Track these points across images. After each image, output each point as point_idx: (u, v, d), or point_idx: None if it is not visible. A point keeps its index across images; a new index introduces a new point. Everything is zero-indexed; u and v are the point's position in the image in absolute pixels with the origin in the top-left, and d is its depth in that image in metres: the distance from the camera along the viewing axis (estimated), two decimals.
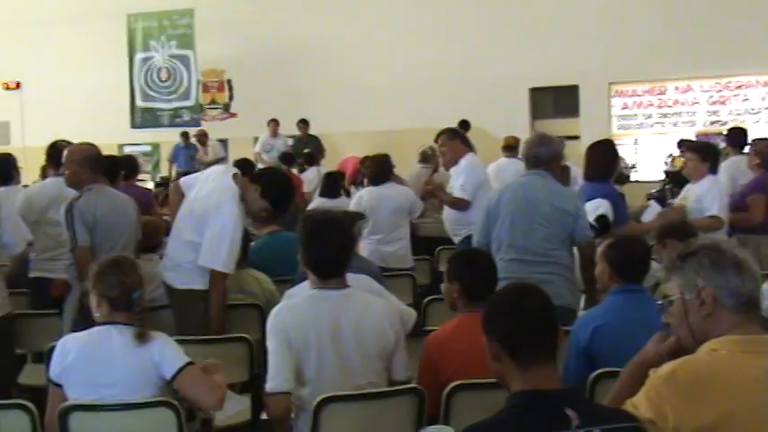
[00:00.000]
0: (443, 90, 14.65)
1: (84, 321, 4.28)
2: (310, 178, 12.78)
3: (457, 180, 6.64)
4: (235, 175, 4.75)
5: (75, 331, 3.60)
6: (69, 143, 5.70)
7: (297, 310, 3.29)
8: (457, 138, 6.80)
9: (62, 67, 17.83)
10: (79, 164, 4.94)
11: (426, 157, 8.79)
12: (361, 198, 7.14)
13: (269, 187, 4.78)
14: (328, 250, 3.35)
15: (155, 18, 16.94)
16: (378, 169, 7.25)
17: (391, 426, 3.30)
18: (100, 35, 17.37)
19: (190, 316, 4.67)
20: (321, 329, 3.24)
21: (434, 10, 15.08)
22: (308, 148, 14.08)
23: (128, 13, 17.01)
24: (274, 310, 3.36)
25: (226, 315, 4.69)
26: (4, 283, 4.95)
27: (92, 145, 5.14)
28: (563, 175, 5.53)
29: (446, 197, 6.72)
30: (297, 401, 3.31)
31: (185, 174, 6.54)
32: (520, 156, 10.22)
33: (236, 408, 4.21)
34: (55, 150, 5.75)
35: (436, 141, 6.92)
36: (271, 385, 3.22)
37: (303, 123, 14.82)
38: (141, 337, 3.24)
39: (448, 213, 6.83)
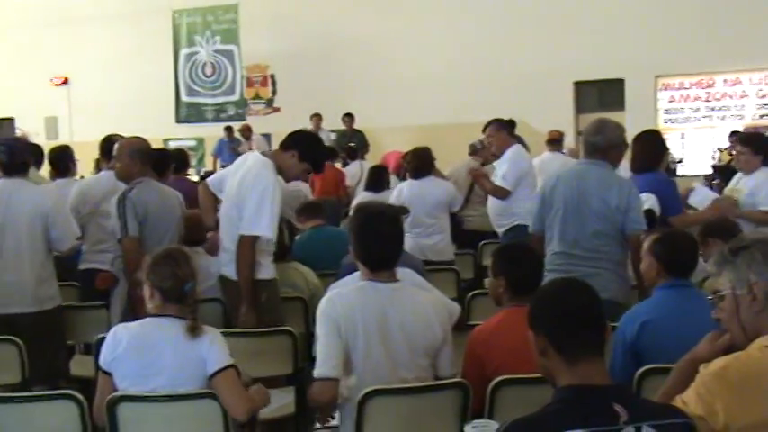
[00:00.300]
0: (487, 84, 14.60)
1: (132, 313, 4.36)
2: (353, 172, 12.81)
3: (500, 169, 6.67)
4: (264, 153, 4.83)
5: (125, 320, 3.64)
6: (122, 137, 5.79)
7: (346, 300, 3.29)
8: (504, 129, 6.82)
9: (108, 63, 18.09)
10: (130, 156, 5.00)
11: (475, 150, 8.77)
12: (401, 191, 7.13)
13: (306, 149, 4.87)
14: (380, 243, 3.35)
15: (199, 14, 17.07)
16: (418, 163, 7.23)
17: (435, 420, 3.29)
18: (145, 31, 17.58)
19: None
20: (369, 320, 3.23)
21: (479, 3, 15.01)
22: (352, 143, 14.10)
23: (173, 9, 17.18)
24: (325, 298, 3.36)
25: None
26: (55, 276, 5.05)
27: (142, 139, 5.20)
28: None
29: (487, 184, 6.75)
30: (343, 391, 3.32)
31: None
32: (564, 150, 10.18)
33: (280, 402, 4.25)
34: (109, 144, 5.83)
35: (484, 132, 6.91)
36: (319, 371, 3.22)
37: (348, 117, 14.82)
38: (193, 331, 3.26)
39: (492, 204, 6.83)
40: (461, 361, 3.48)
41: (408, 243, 6.51)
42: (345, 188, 12.22)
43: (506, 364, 3.25)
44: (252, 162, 4.83)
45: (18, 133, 17.81)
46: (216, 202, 5.02)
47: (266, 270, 4.75)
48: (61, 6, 18.77)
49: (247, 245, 4.60)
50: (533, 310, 2.35)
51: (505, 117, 7.27)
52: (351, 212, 7.53)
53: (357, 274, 3.72)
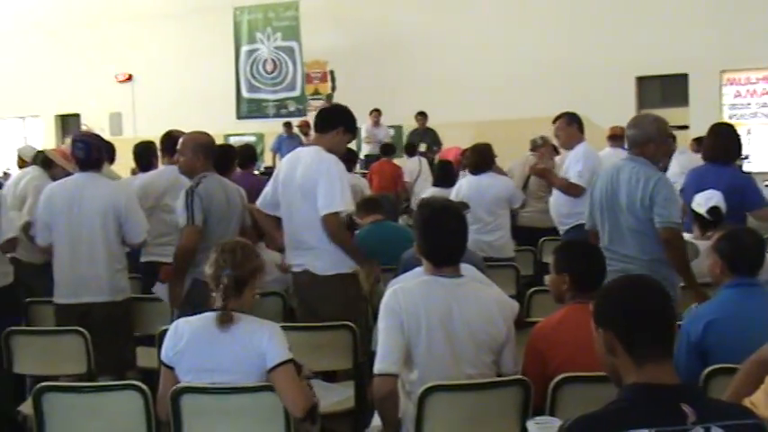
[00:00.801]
0: (547, 79, 14.43)
1: (191, 307, 4.42)
2: (411, 168, 12.84)
3: (575, 166, 6.47)
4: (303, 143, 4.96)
5: (182, 316, 3.69)
6: (182, 132, 5.86)
7: (410, 294, 3.29)
8: (575, 123, 6.68)
9: (171, 60, 18.36)
10: (193, 151, 5.07)
11: (536, 146, 8.69)
12: (460, 187, 7.10)
13: (350, 120, 5.04)
14: (444, 237, 3.34)
15: (260, 11, 17.20)
16: (478, 158, 7.16)
17: (496, 416, 3.28)
18: (207, 28, 17.78)
19: (337, 302, 4.76)
20: (432, 315, 3.23)
21: None
22: (424, 141, 14.13)
23: (234, 6, 17.33)
24: (389, 291, 3.37)
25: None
26: (126, 269, 5.15)
27: (205, 133, 5.25)
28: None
29: (558, 180, 6.58)
30: (405, 386, 3.32)
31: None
32: (625, 146, 10.01)
33: (340, 397, 4.28)
34: (169, 139, 5.92)
35: (554, 123, 6.75)
36: (379, 366, 3.22)
37: (421, 115, 14.67)
38: (223, 323, 3.28)
39: (556, 202, 6.70)
40: (522, 358, 3.47)
41: (468, 240, 6.49)
42: (404, 183, 12.26)
43: (568, 361, 3.22)
44: (306, 155, 4.90)
45: (83, 129, 18.19)
46: (276, 221, 5.07)
47: (348, 262, 4.84)
48: (126, 4, 19.10)
49: (333, 222, 4.70)
50: (602, 307, 2.29)
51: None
52: (415, 207, 7.52)
53: (420, 269, 3.73)
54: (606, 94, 13.88)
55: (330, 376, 4.64)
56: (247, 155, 7.52)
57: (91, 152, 5.07)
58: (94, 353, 4.50)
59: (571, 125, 6.64)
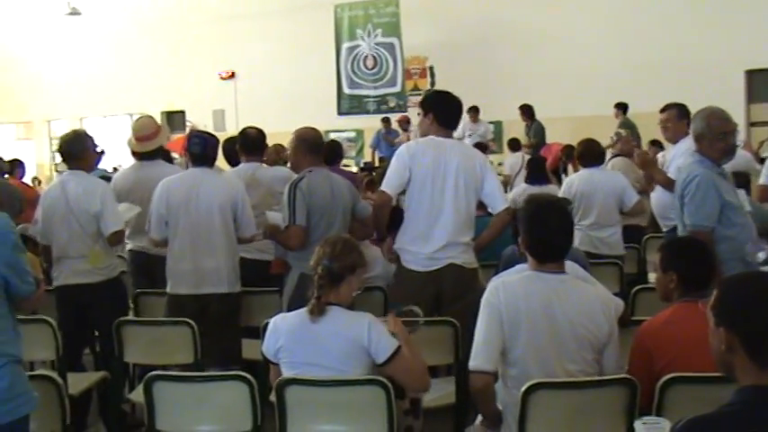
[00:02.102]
0: (651, 74, 14.06)
1: (300, 302, 4.50)
2: (512, 162, 12.78)
3: (677, 160, 6.27)
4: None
5: (291, 309, 3.75)
6: (258, 130, 6.00)
7: (511, 289, 3.28)
8: (686, 117, 6.39)
9: (273, 57, 18.66)
10: (295, 146, 5.15)
11: (614, 142, 8.51)
12: (571, 183, 6.90)
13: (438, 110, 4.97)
14: (549, 233, 3.31)
15: (361, 7, 17.31)
16: (588, 152, 6.92)
17: (601, 416, 3.22)
18: (308, 25, 18.00)
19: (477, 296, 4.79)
20: (534, 311, 3.21)
21: None
22: (529, 135, 14.02)
23: (335, 3, 17.49)
24: (491, 286, 3.37)
25: None
26: (238, 264, 5.26)
27: (310, 129, 5.29)
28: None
29: (659, 175, 6.32)
30: (507, 382, 3.30)
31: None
32: (738, 142, 9.64)
33: (441, 392, 4.27)
34: (245, 137, 6.02)
35: (662, 113, 6.46)
36: (473, 363, 3.23)
37: (524, 109, 14.53)
38: (312, 313, 3.32)
39: (658, 199, 6.46)
40: (626, 357, 3.40)
41: (578, 236, 6.37)
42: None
43: (677, 361, 3.15)
44: (465, 146, 5.05)
45: (188, 125, 18.68)
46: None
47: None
48: (230, 3, 19.52)
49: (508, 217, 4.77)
50: (725, 305, 2.13)
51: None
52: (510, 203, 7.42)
53: (521, 266, 3.70)
54: (713, 89, 13.30)
55: (429, 371, 4.63)
56: (332, 150, 7.54)
57: (206, 148, 5.21)
58: (206, 343, 4.62)
59: (682, 120, 6.32)
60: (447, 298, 4.75)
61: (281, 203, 5.05)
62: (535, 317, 3.20)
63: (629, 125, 13.97)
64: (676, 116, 6.27)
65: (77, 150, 5.28)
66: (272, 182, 5.78)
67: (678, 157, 6.15)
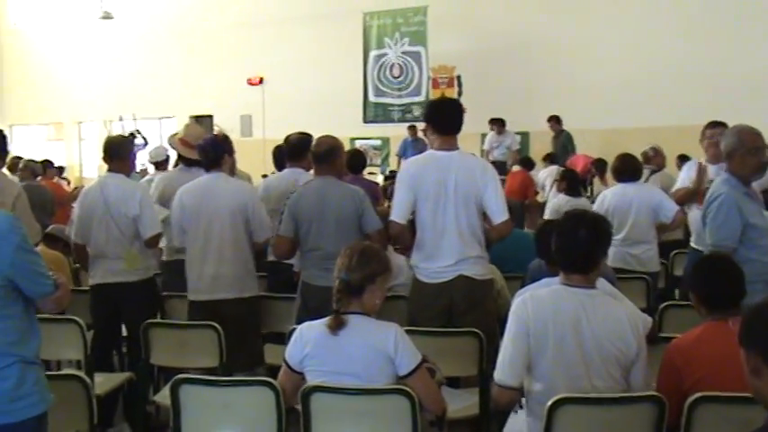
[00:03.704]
0: (687, 86, 13.82)
1: (305, 308, 4.54)
2: (545, 176, 12.75)
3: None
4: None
5: (297, 317, 3.75)
6: (303, 135, 6.01)
7: (539, 302, 3.27)
8: None
9: (301, 63, 18.73)
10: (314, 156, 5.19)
11: (648, 158, 8.41)
12: (604, 198, 6.74)
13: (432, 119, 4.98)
14: (573, 244, 3.30)
15: (390, 16, 17.33)
16: (625, 167, 6.72)
17: None
18: (337, 33, 18.07)
19: (489, 308, 4.83)
20: (561, 325, 3.20)
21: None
22: (559, 146, 14.00)
23: (364, 11, 17.53)
24: (518, 300, 3.36)
25: None
26: (254, 267, 5.30)
27: (323, 138, 5.30)
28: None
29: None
30: (529, 400, 3.29)
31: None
32: None
33: (464, 403, 4.27)
34: (287, 143, 6.06)
35: (709, 129, 6.30)
36: (499, 377, 3.23)
37: (553, 120, 14.45)
38: (331, 327, 3.31)
39: (695, 216, 6.35)
40: (654, 374, 3.38)
41: (610, 251, 6.27)
42: (534, 192, 12.24)
43: (706, 379, 3.12)
44: (466, 157, 4.87)
45: (215, 129, 18.78)
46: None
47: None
48: (258, 9, 19.63)
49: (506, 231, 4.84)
50: (749, 327, 2.16)
51: (703, 121, 6.72)
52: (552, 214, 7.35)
53: (548, 279, 3.70)
54: (753, 103, 13.15)
55: (453, 382, 4.63)
56: (355, 159, 7.55)
57: (207, 152, 5.24)
58: (228, 348, 4.63)
59: None
60: (458, 309, 4.75)
61: None
62: (563, 332, 3.19)
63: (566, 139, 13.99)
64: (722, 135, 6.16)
65: (121, 153, 5.37)
66: None
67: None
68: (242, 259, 5.17)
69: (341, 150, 5.31)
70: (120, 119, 19.22)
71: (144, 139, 18.46)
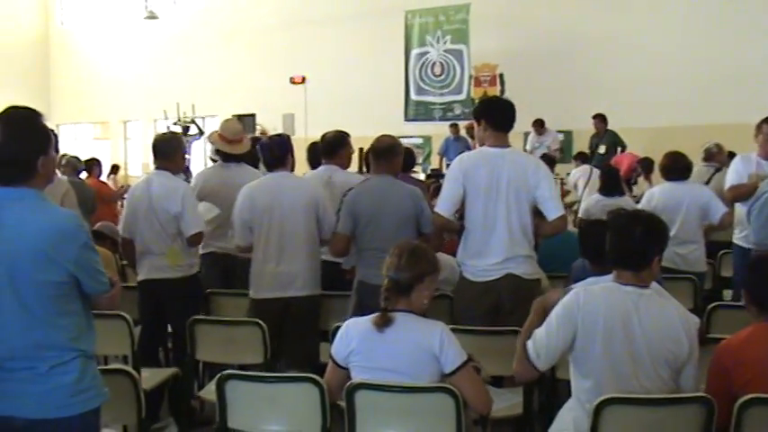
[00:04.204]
0: (739, 83, 13.62)
1: (360, 306, 4.53)
2: (578, 175, 12.60)
3: None
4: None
5: (352, 315, 3.77)
6: (337, 133, 6.04)
7: (592, 297, 3.24)
8: None
9: (343, 62, 18.81)
10: (366, 154, 5.21)
11: (711, 155, 8.21)
12: (652, 196, 6.63)
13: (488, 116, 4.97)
14: (630, 243, 3.27)
15: (432, 14, 17.31)
16: (674, 165, 6.59)
17: None
18: (379, 32, 18.09)
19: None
20: (612, 320, 3.17)
21: None
22: (603, 144, 13.84)
23: (406, 9, 17.53)
24: (572, 292, 3.32)
25: None
26: (319, 266, 5.32)
27: (381, 137, 5.29)
28: None
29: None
30: (580, 396, 3.27)
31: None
32: None
33: (508, 402, 4.25)
34: (322, 140, 6.10)
35: (759, 130, 6.18)
36: (534, 357, 3.24)
37: (599, 118, 14.23)
38: (377, 325, 3.32)
39: (741, 212, 6.24)
40: (702, 375, 3.34)
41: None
42: (562, 192, 12.14)
43: (756, 381, 3.08)
44: (518, 155, 4.91)
45: (258, 129, 18.91)
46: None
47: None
48: (301, 8, 19.75)
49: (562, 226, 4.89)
50: None
51: (755, 119, 6.56)
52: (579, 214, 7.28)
53: (593, 278, 3.67)
54: None
55: (497, 381, 4.61)
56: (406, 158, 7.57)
57: (273, 150, 5.28)
58: (288, 346, 4.66)
59: None
60: (505, 308, 4.74)
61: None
62: (613, 329, 3.16)
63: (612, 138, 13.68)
64: None
65: (169, 151, 5.43)
66: (343, 187, 5.83)
67: None
68: (314, 256, 5.21)
69: (400, 149, 5.33)
70: (168, 117, 19.44)
71: (199, 129, 18.70)
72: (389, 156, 5.18)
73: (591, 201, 8.15)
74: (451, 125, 16.27)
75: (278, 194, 5.14)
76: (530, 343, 3.26)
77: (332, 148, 5.98)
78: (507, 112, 4.91)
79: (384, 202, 5.00)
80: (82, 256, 2.81)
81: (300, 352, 4.93)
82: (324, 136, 6.14)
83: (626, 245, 3.28)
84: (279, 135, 5.62)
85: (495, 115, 4.90)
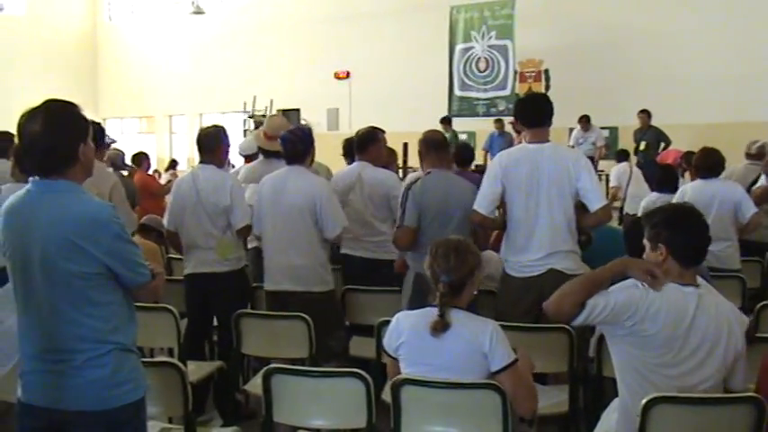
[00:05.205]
0: None
1: (419, 300, 4.50)
2: (620, 172, 12.45)
3: None
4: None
5: (410, 308, 3.76)
6: (369, 129, 6.09)
7: (655, 293, 3.17)
8: None
9: (387, 58, 18.82)
10: (420, 149, 5.24)
11: (756, 154, 8.05)
12: (684, 193, 6.60)
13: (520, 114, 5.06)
14: (692, 236, 3.23)
15: (476, 9, 17.23)
16: (706, 162, 6.57)
17: None
18: (423, 27, 18.07)
19: None
20: (675, 323, 3.12)
21: None
22: (645, 140, 13.70)
23: (451, 5, 17.47)
24: (640, 288, 3.22)
25: None
26: (328, 261, 5.34)
27: (434, 131, 5.36)
28: None
29: None
30: (625, 391, 3.24)
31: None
32: None
33: (553, 400, 4.22)
34: (356, 136, 6.11)
35: None
36: (587, 310, 3.18)
37: (644, 113, 14.10)
38: (436, 330, 3.29)
39: None
40: (752, 375, 3.28)
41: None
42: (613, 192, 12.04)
43: None
44: (557, 149, 4.88)
45: (302, 123, 19.01)
46: None
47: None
48: (346, 4, 19.79)
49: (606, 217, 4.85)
50: None
51: None
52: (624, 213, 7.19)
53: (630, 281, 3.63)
54: None
55: (541, 378, 4.59)
56: (463, 153, 7.58)
57: (296, 144, 5.29)
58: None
59: None
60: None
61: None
62: (675, 327, 3.12)
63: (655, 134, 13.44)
64: None
65: (213, 144, 5.47)
66: (372, 183, 5.85)
67: None
68: (310, 254, 5.18)
69: (448, 143, 5.39)
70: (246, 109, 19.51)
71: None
72: (444, 149, 5.27)
73: (650, 199, 8.06)
74: (496, 121, 16.20)
75: (281, 189, 5.19)
76: (591, 300, 3.17)
77: (363, 144, 6.01)
78: (536, 107, 4.92)
79: (449, 197, 5.03)
80: (115, 247, 2.80)
81: (320, 347, 4.88)
82: (358, 132, 6.17)
83: (699, 243, 3.23)
84: (301, 128, 5.60)
85: (524, 112, 4.94)
